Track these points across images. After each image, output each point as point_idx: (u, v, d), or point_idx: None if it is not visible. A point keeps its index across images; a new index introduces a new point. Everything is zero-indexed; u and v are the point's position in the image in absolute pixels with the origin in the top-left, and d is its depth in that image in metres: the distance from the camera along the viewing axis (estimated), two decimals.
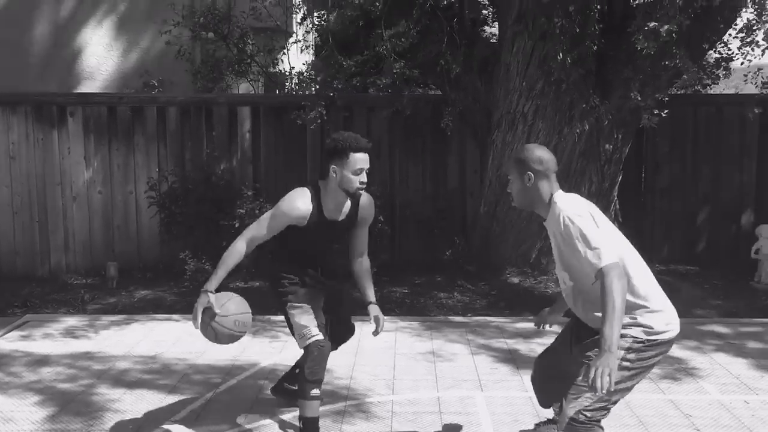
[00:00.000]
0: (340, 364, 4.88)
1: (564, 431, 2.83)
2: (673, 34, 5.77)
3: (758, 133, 7.99)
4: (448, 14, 7.48)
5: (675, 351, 5.16)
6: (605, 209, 7.15)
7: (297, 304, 3.54)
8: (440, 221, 7.72)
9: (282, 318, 5.73)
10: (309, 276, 3.64)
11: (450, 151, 8.01)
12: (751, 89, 8.24)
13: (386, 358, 5.03)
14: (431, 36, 7.12)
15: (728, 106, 8.02)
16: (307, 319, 3.51)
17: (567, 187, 6.95)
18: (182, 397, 4.28)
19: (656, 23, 5.72)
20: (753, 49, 6.26)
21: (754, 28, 6.14)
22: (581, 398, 2.80)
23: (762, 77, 6.66)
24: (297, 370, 3.98)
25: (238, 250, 3.42)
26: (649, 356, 2.88)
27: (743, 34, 6.26)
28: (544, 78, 6.75)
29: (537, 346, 5.27)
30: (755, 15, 6.02)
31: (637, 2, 6.61)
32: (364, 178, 3.40)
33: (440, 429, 3.86)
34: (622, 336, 2.77)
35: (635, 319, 2.87)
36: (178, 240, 7.33)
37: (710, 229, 8.14)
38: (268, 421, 3.94)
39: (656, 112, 6.24)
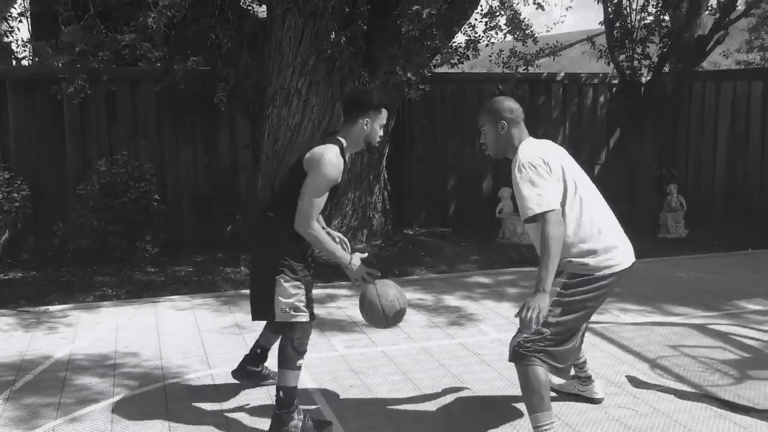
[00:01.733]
0: (145, 345, 4.74)
1: (510, 358, 3.20)
2: (433, 16, 6.38)
3: None
4: None
5: (453, 301, 5.84)
6: (376, 178, 7.69)
7: (292, 277, 3.44)
8: (218, 197, 7.66)
9: (60, 307, 5.38)
10: (306, 248, 3.54)
11: (221, 126, 7.96)
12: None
13: (191, 336, 4.98)
14: (202, 9, 6.98)
15: (469, 83, 9.02)
16: (299, 294, 3.45)
17: None
18: None
19: (419, 6, 6.27)
20: (497, 33, 7.14)
21: (497, 14, 7.00)
22: (520, 333, 3.14)
23: (504, 58, 7.62)
24: (258, 351, 3.97)
25: (320, 234, 3.38)
26: (587, 291, 3.17)
27: (487, 19, 7.09)
28: (317, 54, 7.01)
29: (334, 309, 5.59)
30: (498, 2, 6.86)
31: None
32: (382, 132, 3.52)
33: (266, 394, 3.97)
34: (559, 273, 3.08)
35: (573, 257, 3.16)
36: None
37: (459, 194, 9.12)
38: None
39: (421, 87, 6.84)
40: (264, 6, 8.00)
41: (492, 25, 7.04)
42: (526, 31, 7.24)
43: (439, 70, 8.05)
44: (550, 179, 3.12)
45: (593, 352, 4.60)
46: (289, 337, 3.48)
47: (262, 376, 4.08)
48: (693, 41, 9.11)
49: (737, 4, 9.16)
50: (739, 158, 8.93)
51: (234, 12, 7.23)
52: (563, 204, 3.17)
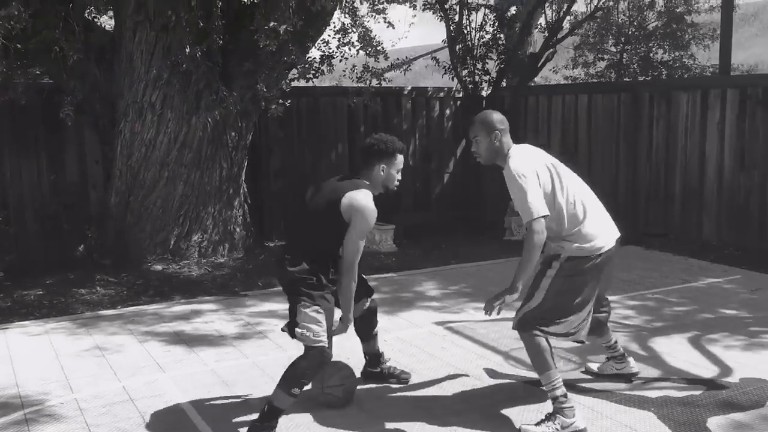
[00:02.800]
0: None
1: (514, 326, 3.69)
2: (289, 33, 6.53)
3: (347, 119, 9.38)
4: None
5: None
6: (236, 192, 7.69)
7: (317, 305, 3.58)
8: (68, 215, 7.33)
9: None
10: (333, 282, 3.69)
11: (68, 142, 7.63)
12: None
13: (48, 361, 4.76)
14: (44, 20, 6.67)
15: (323, 97, 9.24)
16: (322, 321, 3.57)
17: (200, 172, 7.33)
18: None
19: (275, 23, 6.40)
20: (349, 48, 7.40)
21: (349, 31, 7.27)
22: (524, 307, 3.66)
23: (357, 73, 7.90)
24: (367, 358, 4.26)
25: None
26: (577, 272, 3.61)
27: (340, 35, 7.34)
28: (170, 68, 6.92)
29: (201, 325, 5.56)
30: (350, 20, 7.13)
31: (252, 1, 7.20)
32: (400, 176, 3.80)
33: (137, 413, 3.92)
34: (557, 257, 3.59)
35: (568, 242, 3.59)
36: None
37: None
38: None
39: (281, 101, 6.95)
40: (111, 18, 7.78)
41: (345, 41, 7.30)
42: (377, 47, 7.56)
43: (295, 84, 8.20)
44: (538, 187, 3.51)
45: (453, 348, 4.93)
46: (301, 364, 3.54)
47: (387, 375, 4.29)
48: (526, 58, 9.91)
49: (563, 24, 10.08)
50: (569, 165, 9.78)
51: (80, 24, 6.97)
52: (555, 197, 3.59)
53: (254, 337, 5.26)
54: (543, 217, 3.45)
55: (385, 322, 5.57)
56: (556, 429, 3.55)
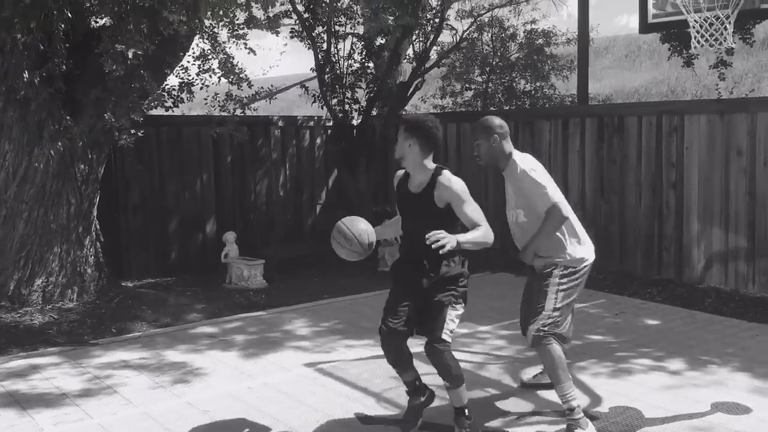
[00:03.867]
0: None
1: (532, 344, 3.98)
2: (140, 57, 6.08)
3: (212, 149, 8.95)
4: None
5: (178, 356, 5.52)
6: (86, 230, 7.06)
7: (459, 305, 3.84)
8: None
9: None
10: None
11: None
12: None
13: None
14: None
15: (186, 126, 8.76)
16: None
17: (44, 209, 6.68)
18: None
19: (123, 46, 5.93)
20: (210, 76, 7.02)
21: (209, 57, 6.90)
22: (538, 319, 3.95)
23: (219, 101, 7.50)
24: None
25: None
26: (576, 278, 4.01)
27: (200, 62, 6.95)
28: (6, 95, 6.28)
29: (39, 382, 4.95)
30: (210, 46, 6.77)
31: (99, 24, 6.68)
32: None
33: None
34: (555, 266, 3.98)
35: (565, 250, 3.97)
36: None
37: (181, 239, 8.76)
38: None
39: (132, 132, 6.46)
40: None
41: (205, 68, 6.92)
42: (240, 75, 7.22)
43: (154, 112, 7.70)
44: (551, 181, 3.97)
45: (325, 393, 4.64)
46: (445, 361, 3.75)
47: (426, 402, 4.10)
48: (395, 87, 9.88)
49: (430, 54, 10.15)
50: None
51: None
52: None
53: (101, 393, 4.73)
54: (558, 203, 3.87)
55: (250, 367, 5.21)
56: None
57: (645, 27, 5.95)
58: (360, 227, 3.82)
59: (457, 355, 5.33)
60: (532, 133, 8.72)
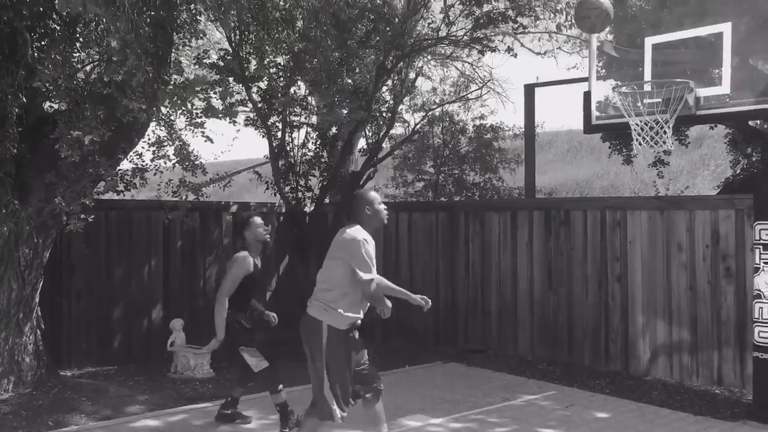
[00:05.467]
0: None
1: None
2: (96, 144, 6.07)
3: (162, 234, 8.84)
4: None
5: None
6: (27, 316, 6.81)
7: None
8: None
9: None
10: None
11: None
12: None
13: None
14: None
15: (137, 211, 8.66)
16: None
17: None
18: None
19: (80, 133, 5.92)
20: (165, 162, 7.02)
21: (164, 143, 6.93)
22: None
23: (173, 186, 7.47)
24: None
25: None
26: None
27: (155, 148, 6.96)
28: None
29: None
30: (166, 133, 6.81)
31: (54, 110, 6.68)
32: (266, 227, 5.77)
33: None
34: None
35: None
36: None
37: (125, 326, 8.49)
38: None
39: (83, 216, 6.36)
40: None
41: (160, 154, 6.93)
42: (195, 161, 7.23)
43: (105, 196, 7.61)
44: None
45: None
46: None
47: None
48: (348, 176, 10.04)
49: (383, 145, 10.40)
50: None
51: None
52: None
53: None
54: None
55: None
56: None
57: (589, 128, 6.26)
58: None
59: None
60: (482, 224, 8.91)
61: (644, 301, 7.50)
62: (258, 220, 5.81)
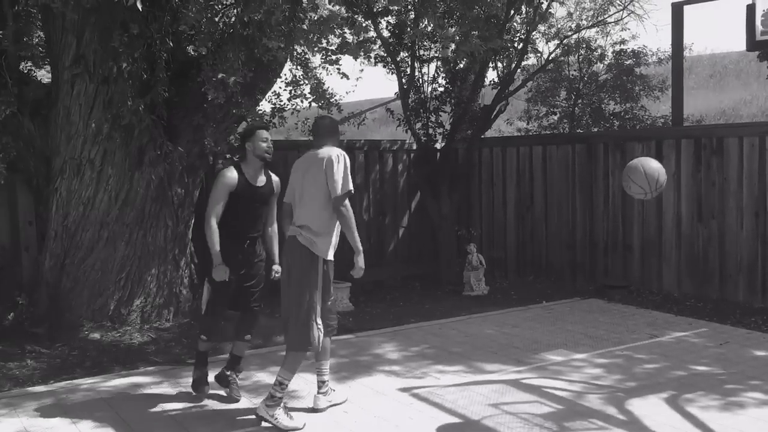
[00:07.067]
0: None
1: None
2: (239, 84, 6.24)
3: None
4: None
5: (268, 378, 5.53)
6: (182, 251, 7.25)
7: None
8: None
9: None
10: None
11: None
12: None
13: None
14: None
15: (276, 151, 8.88)
16: None
17: (143, 231, 6.88)
18: None
19: (224, 74, 6.10)
20: (301, 101, 7.14)
21: (300, 83, 7.02)
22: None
23: (309, 126, 7.61)
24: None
25: None
26: None
27: (292, 87, 7.08)
28: (111, 122, 6.54)
29: (143, 399, 5.06)
30: (302, 72, 6.89)
31: (198, 53, 6.91)
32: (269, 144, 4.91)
33: None
34: None
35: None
36: None
37: None
38: None
39: (228, 156, 6.61)
40: (47, 70, 7.37)
41: (296, 93, 7.05)
42: (330, 100, 7.31)
43: None
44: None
45: (423, 419, 4.57)
46: None
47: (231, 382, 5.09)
48: (479, 110, 9.81)
49: (515, 77, 10.05)
50: (527, 216, 9.66)
51: (13, 76, 6.56)
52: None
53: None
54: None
55: (345, 390, 5.18)
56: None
57: (752, 45, 5.71)
58: (653, 166, 4.73)
59: (553, 383, 5.19)
60: (623, 155, 8.47)
61: None
62: (264, 133, 4.83)
